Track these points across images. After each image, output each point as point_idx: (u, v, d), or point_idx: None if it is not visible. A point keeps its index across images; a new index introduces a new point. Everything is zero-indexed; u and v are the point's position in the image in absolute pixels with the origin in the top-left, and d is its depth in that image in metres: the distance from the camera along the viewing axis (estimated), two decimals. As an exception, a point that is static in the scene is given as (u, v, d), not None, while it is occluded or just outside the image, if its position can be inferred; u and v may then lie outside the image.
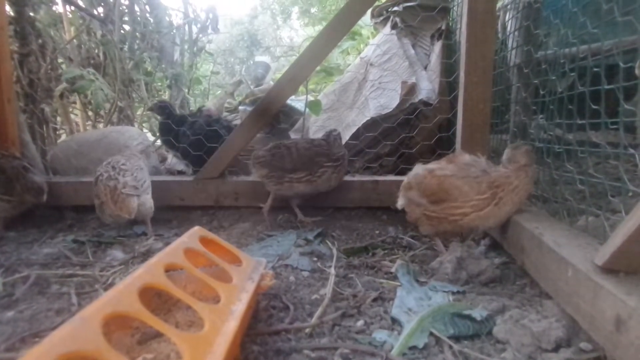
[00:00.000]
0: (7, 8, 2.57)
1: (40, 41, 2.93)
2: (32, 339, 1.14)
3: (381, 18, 3.30)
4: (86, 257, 1.77)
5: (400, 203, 1.73)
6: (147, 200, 2.07)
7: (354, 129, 2.63)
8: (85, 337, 0.66)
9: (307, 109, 2.75)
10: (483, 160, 1.59)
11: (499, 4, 2.10)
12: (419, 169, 1.68)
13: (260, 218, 2.21)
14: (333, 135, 2.18)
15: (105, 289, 1.46)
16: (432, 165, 1.66)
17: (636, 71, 1.29)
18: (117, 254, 1.78)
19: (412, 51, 2.87)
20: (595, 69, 1.25)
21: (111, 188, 1.97)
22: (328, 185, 2.14)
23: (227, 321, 0.89)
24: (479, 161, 1.58)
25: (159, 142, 4.19)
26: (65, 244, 1.93)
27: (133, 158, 2.20)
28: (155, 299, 1.18)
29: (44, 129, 2.94)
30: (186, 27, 4.53)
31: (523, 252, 1.44)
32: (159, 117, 2.72)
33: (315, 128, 3.09)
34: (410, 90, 2.58)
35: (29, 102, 2.83)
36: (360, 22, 3.21)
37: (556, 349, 1.02)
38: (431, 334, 1.11)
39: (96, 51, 3.77)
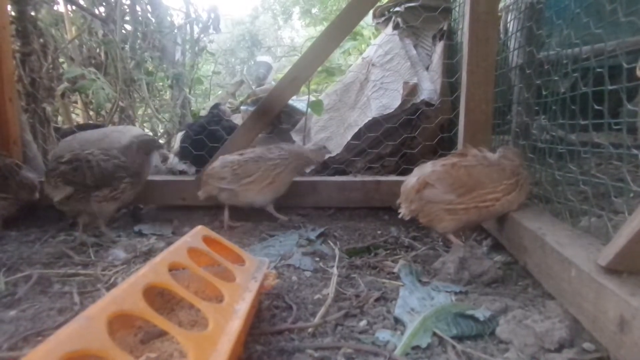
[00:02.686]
0: (9, 7, 2.57)
1: (41, 40, 2.93)
2: (34, 338, 1.14)
3: (383, 18, 3.31)
4: (88, 257, 1.77)
5: (411, 208, 1.64)
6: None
7: (355, 129, 2.63)
8: (91, 336, 0.66)
9: (309, 109, 2.75)
10: (488, 152, 1.64)
11: (500, 5, 2.10)
12: (427, 168, 1.64)
13: (261, 218, 2.21)
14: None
15: (108, 289, 1.46)
16: (445, 160, 1.65)
17: (637, 72, 1.29)
18: (119, 253, 1.78)
19: (414, 51, 2.87)
20: (598, 70, 1.25)
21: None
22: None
23: (230, 320, 0.89)
24: (487, 153, 1.64)
25: (160, 141, 4.22)
26: (66, 243, 1.93)
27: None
28: (158, 298, 1.18)
29: (46, 128, 2.94)
30: (188, 27, 4.54)
31: (525, 252, 1.44)
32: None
33: (317, 128, 3.09)
34: (412, 90, 2.58)
35: (30, 102, 2.84)
36: (362, 22, 3.20)
37: (559, 349, 1.02)
38: (434, 333, 1.11)
39: (97, 51, 3.78)
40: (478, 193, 1.54)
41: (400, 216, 1.68)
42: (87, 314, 0.69)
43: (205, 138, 2.62)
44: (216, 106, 3.03)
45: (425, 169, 1.65)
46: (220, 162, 2.13)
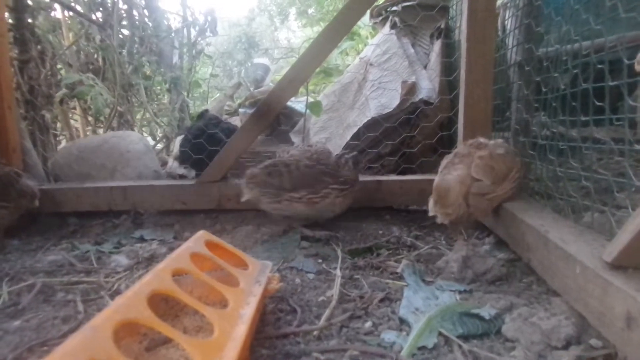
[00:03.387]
0: (7, 15, 2.57)
1: (39, 47, 2.92)
2: (39, 348, 1.14)
3: (380, 18, 3.30)
4: (90, 264, 1.77)
5: (459, 213, 1.53)
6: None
7: (354, 129, 2.63)
8: (97, 346, 0.66)
9: (308, 111, 2.75)
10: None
11: (498, 2, 2.10)
12: (462, 169, 1.58)
13: (262, 220, 2.20)
14: (345, 158, 2.05)
15: (111, 296, 1.46)
16: (480, 152, 1.62)
17: (636, 67, 1.29)
18: (121, 259, 1.78)
19: (412, 50, 2.87)
20: (598, 66, 1.25)
21: None
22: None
23: (236, 326, 0.89)
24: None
25: (159, 146, 4.22)
26: (69, 251, 1.93)
27: None
28: (162, 304, 1.18)
29: (45, 135, 2.94)
30: (185, 31, 4.53)
31: (529, 249, 1.44)
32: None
33: (316, 129, 3.09)
34: (410, 89, 2.58)
35: (29, 109, 2.82)
36: (359, 22, 3.21)
37: (566, 346, 1.02)
38: (440, 333, 1.10)
39: (95, 56, 3.76)
40: (511, 176, 1.58)
41: (439, 222, 1.58)
42: (92, 324, 0.69)
43: (205, 141, 2.61)
44: (203, 114, 2.97)
45: (459, 171, 1.56)
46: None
